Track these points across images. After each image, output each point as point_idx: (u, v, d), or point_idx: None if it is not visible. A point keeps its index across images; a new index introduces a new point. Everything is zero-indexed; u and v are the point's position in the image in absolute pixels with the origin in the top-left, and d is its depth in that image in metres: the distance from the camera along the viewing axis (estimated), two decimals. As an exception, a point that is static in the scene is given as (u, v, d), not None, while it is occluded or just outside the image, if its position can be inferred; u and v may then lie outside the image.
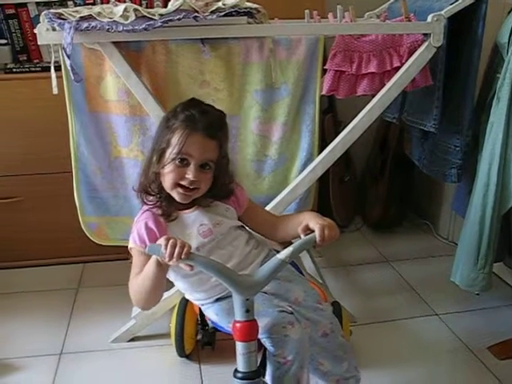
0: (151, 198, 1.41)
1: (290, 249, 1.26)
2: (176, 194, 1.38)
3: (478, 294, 2.02)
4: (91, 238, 1.84)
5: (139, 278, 1.32)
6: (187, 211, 1.43)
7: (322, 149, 1.80)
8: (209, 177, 1.38)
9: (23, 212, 2.26)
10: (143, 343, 1.88)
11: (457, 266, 1.89)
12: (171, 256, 1.17)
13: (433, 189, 2.70)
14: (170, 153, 1.35)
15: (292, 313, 1.37)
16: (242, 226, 1.51)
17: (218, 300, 1.46)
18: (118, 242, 1.88)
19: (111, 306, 2.05)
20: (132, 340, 1.89)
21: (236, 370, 1.30)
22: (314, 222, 1.31)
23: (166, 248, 1.17)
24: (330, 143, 1.78)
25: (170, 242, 1.17)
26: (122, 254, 2.28)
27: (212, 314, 1.49)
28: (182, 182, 1.35)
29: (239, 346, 1.27)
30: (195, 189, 1.37)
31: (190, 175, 1.34)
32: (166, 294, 1.84)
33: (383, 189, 2.67)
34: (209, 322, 1.63)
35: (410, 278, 2.28)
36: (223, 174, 1.43)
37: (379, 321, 2.00)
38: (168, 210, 1.40)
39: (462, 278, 1.87)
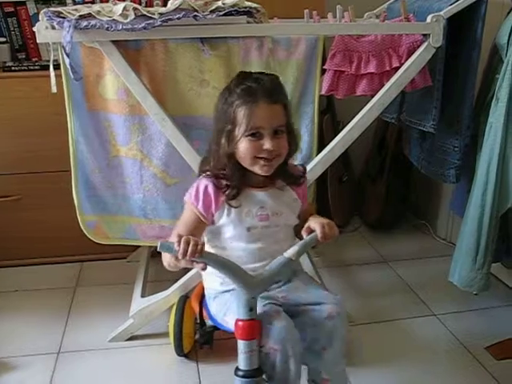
0: (224, 182, 1.38)
1: (295, 247, 1.30)
2: (258, 168, 1.35)
3: (476, 294, 2.02)
4: (89, 236, 1.84)
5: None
6: (258, 189, 1.41)
7: (320, 149, 1.80)
8: (284, 140, 1.36)
9: (21, 210, 2.25)
10: (141, 342, 1.88)
11: (455, 267, 1.89)
12: (184, 254, 1.17)
13: (431, 189, 2.70)
14: (240, 130, 1.32)
15: (280, 305, 1.37)
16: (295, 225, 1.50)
17: (226, 292, 1.46)
18: (117, 241, 1.89)
19: (109, 305, 2.05)
20: (130, 339, 1.88)
21: (237, 368, 1.30)
22: (314, 221, 1.34)
23: (178, 245, 1.17)
24: (328, 143, 1.78)
25: (183, 239, 1.17)
26: (120, 252, 2.32)
27: (214, 306, 1.49)
28: (261, 155, 1.33)
29: (241, 345, 1.28)
30: (276, 156, 1.35)
31: (267, 145, 1.32)
32: (163, 294, 1.85)
33: (382, 189, 2.67)
34: (207, 321, 1.63)
35: (408, 278, 2.28)
36: (295, 139, 1.42)
37: (377, 321, 2.00)
38: (236, 192, 1.37)
39: (460, 278, 1.87)
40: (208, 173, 1.40)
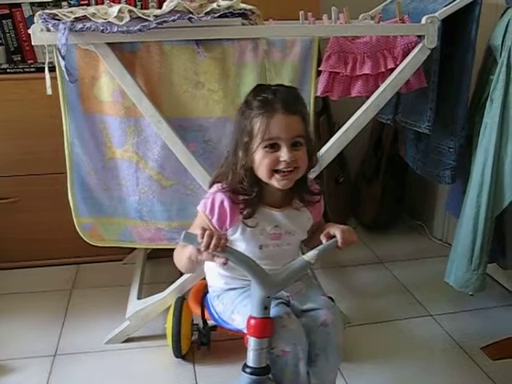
0: (241, 197, 1.35)
1: (315, 251, 1.30)
2: (276, 182, 1.32)
3: (471, 295, 2.03)
4: (85, 238, 1.84)
5: (179, 251, 1.36)
6: (275, 209, 1.39)
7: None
8: (303, 153, 1.32)
9: (17, 213, 2.25)
10: (137, 344, 1.87)
11: (451, 267, 1.90)
12: (207, 246, 1.18)
13: (427, 190, 2.71)
14: (256, 141, 1.30)
15: (289, 303, 1.39)
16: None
17: (230, 289, 1.47)
18: (113, 243, 1.89)
19: (105, 307, 2.05)
20: (126, 341, 1.88)
21: (245, 365, 1.31)
22: (334, 228, 1.35)
23: (202, 238, 1.18)
24: (324, 145, 1.79)
25: (207, 232, 1.19)
26: (116, 255, 2.32)
27: (219, 304, 1.50)
28: (279, 167, 1.30)
29: (252, 342, 1.29)
30: (294, 169, 1.32)
31: (284, 157, 1.28)
32: (159, 296, 1.85)
33: (377, 190, 2.67)
34: (209, 321, 1.64)
35: (404, 279, 2.28)
36: (314, 152, 1.40)
37: (373, 321, 2.00)
38: (252, 210, 1.36)
39: (456, 278, 1.87)
40: (225, 186, 1.37)
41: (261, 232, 1.38)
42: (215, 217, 1.35)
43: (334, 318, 1.39)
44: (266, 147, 1.30)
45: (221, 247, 1.19)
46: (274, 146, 1.30)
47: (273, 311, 1.33)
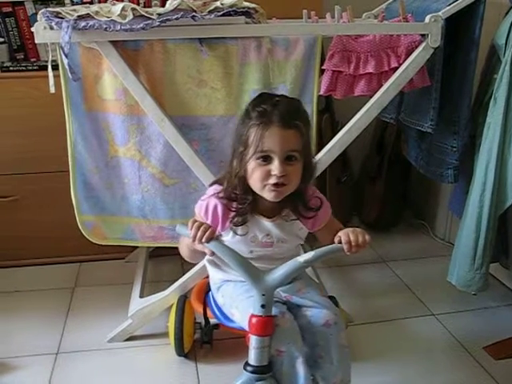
0: (234, 204, 1.37)
1: (311, 253, 1.27)
2: (267, 194, 1.32)
3: (474, 295, 2.03)
4: (88, 237, 1.84)
5: (182, 240, 1.43)
6: (266, 219, 1.39)
7: (319, 149, 1.80)
8: (297, 168, 1.32)
9: (19, 211, 2.25)
10: (140, 343, 1.87)
11: (453, 267, 1.90)
12: (194, 237, 1.25)
13: (429, 189, 2.71)
14: (250, 152, 1.29)
15: (285, 303, 1.38)
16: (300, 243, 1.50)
17: (230, 281, 1.48)
18: (115, 242, 1.89)
19: (108, 306, 2.05)
20: (128, 339, 1.88)
21: (247, 363, 1.31)
22: (343, 231, 1.31)
23: (191, 229, 1.25)
24: (327, 143, 1.78)
25: (196, 224, 1.26)
26: (118, 253, 2.32)
27: (220, 297, 1.51)
28: (269, 181, 1.30)
29: (253, 340, 1.29)
30: (285, 184, 1.31)
31: (275, 171, 1.27)
32: (162, 294, 1.85)
33: (380, 189, 2.67)
34: (211, 319, 1.64)
35: (407, 278, 2.28)
36: (311, 166, 1.38)
37: (376, 321, 2.00)
38: (243, 220, 1.36)
39: (459, 278, 1.87)
40: (220, 194, 1.38)
41: (252, 239, 1.40)
42: (209, 220, 1.39)
43: (336, 319, 1.38)
44: (258, 159, 1.29)
45: (206, 238, 1.24)
46: (266, 159, 1.29)
47: None
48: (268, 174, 1.29)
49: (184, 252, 1.45)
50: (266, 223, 1.40)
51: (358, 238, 1.28)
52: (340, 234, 1.30)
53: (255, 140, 1.28)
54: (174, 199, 1.77)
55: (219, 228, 1.38)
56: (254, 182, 1.32)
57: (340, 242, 1.29)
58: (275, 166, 1.28)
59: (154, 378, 1.73)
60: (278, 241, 1.41)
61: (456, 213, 2.14)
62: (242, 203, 1.35)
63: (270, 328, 1.28)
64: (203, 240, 1.25)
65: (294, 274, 1.30)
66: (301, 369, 1.32)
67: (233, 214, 1.37)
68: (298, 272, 1.30)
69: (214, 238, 1.26)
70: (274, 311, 1.32)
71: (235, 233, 1.38)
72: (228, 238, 1.40)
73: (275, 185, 1.30)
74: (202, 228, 1.25)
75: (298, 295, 1.42)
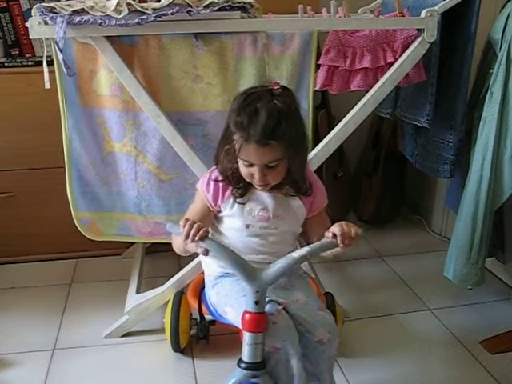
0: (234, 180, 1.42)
1: (305, 248, 1.27)
2: (255, 186, 1.39)
3: (470, 289, 2.03)
4: (84, 233, 1.84)
5: (175, 236, 1.39)
6: (264, 191, 1.42)
7: (315, 144, 1.80)
8: (278, 171, 1.35)
9: (15, 207, 2.25)
10: (136, 338, 1.88)
11: (450, 261, 1.90)
12: (187, 236, 1.22)
13: (426, 184, 2.71)
14: (235, 151, 1.33)
15: (280, 304, 1.37)
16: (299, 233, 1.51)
17: (225, 276, 1.48)
18: (111, 238, 1.88)
19: (104, 302, 2.05)
20: (125, 335, 1.88)
21: (240, 360, 1.30)
22: (335, 224, 1.29)
23: (183, 227, 1.22)
24: (323, 138, 1.78)
25: (189, 222, 1.23)
26: (114, 249, 2.32)
27: (213, 295, 1.50)
28: (254, 181, 1.36)
29: (246, 336, 1.28)
30: (269, 183, 1.37)
31: (256, 178, 1.34)
32: (158, 290, 1.84)
33: (376, 184, 2.67)
34: (206, 315, 1.64)
35: (403, 273, 2.29)
36: (298, 162, 1.39)
37: (372, 316, 2.01)
38: (243, 190, 1.41)
39: (455, 272, 1.87)
40: (220, 169, 1.43)
41: (248, 212, 1.42)
42: (210, 191, 1.42)
43: (331, 337, 1.37)
44: (242, 160, 1.34)
45: (199, 236, 1.22)
46: (249, 162, 1.34)
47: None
48: (251, 175, 1.35)
49: (177, 249, 1.44)
50: (264, 195, 1.42)
51: (351, 230, 1.27)
52: (333, 227, 1.28)
53: (237, 147, 1.32)
54: (170, 195, 1.77)
55: (220, 199, 1.42)
56: (243, 175, 1.37)
57: (333, 237, 1.27)
58: (255, 172, 1.34)
59: (150, 374, 1.73)
60: (275, 216, 1.42)
61: (452, 207, 2.14)
62: (238, 183, 1.41)
63: (263, 324, 1.28)
64: (197, 238, 1.22)
65: (288, 270, 1.28)
66: (296, 365, 1.32)
67: (234, 182, 1.41)
68: (293, 268, 1.29)
69: (207, 235, 1.24)
70: (271, 309, 1.32)
71: (236, 201, 1.41)
72: (226, 211, 1.43)
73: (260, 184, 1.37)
74: (195, 226, 1.22)
75: (296, 306, 1.40)
